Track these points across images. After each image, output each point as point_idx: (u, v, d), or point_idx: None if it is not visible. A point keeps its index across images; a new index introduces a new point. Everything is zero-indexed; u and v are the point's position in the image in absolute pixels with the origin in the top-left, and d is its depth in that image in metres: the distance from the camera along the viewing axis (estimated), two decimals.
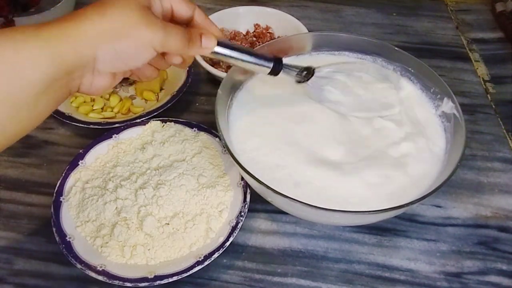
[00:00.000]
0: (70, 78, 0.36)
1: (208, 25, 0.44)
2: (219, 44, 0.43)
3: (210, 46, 0.42)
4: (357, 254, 0.53)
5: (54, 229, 0.50)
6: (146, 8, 0.37)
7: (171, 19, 0.42)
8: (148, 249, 0.49)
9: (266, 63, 0.47)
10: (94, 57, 0.36)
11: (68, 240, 0.50)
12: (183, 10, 0.42)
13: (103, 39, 0.35)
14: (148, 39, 0.37)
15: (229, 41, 0.45)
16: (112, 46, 0.36)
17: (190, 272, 0.47)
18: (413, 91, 0.56)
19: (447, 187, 0.58)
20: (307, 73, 0.52)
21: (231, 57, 0.45)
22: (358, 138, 0.51)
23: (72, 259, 0.48)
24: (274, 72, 0.48)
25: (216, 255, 0.48)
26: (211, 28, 0.44)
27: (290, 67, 0.50)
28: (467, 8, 0.87)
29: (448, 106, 0.52)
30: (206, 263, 0.48)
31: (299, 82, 0.52)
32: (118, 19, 0.35)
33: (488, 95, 0.71)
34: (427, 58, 0.75)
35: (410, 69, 0.57)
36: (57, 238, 0.50)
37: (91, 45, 0.35)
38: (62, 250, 0.49)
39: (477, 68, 0.75)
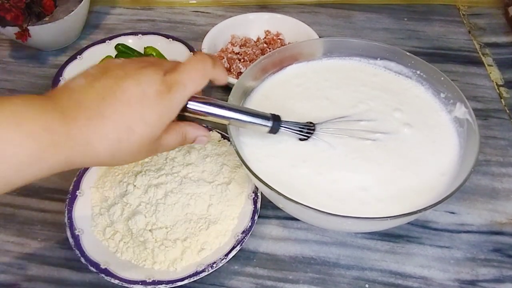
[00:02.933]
0: None
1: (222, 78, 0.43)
2: (223, 108, 0.44)
3: (203, 143, 0.45)
4: (369, 261, 0.52)
5: (66, 220, 0.52)
6: (154, 142, 0.38)
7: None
8: (156, 253, 0.49)
9: (265, 123, 0.47)
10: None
11: (76, 234, 0.51)
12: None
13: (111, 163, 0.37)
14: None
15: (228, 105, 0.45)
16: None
17: (199, 277, 0.47)
18: (424, 96, 0.56)
19: (461, 193, 0.58)
20: (308, 129, 0.50)
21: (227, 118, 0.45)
22: (372, 143, 0.51)
23: (78, 253, 0.49)
24: (273, 130, 0.48)
25: (225, 261, 0.48)
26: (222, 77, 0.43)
27: (289, 124, 0.49)
28: (479, 12, 0.87)
29: (461, 111, 0.51)
30: (215, 269, 0.48)
31: (301, 140, 0.50)
32: (122, 160, 0.37)
33: (502, 100, 0.70)
34: (439, 63, 0.75)
35: (422, 74, 0.56)
36: (68, 234, 0.51)
37: (80, 166, 0.37)
38: (72, 247, 0.49)
39: (490, 73, 0.74)
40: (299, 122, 0.50)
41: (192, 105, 0.43)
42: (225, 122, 0.46)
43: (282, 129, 0.48)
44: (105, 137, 0.34)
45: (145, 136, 0.36)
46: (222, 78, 0.42)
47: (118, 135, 0.35)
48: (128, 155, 0.36)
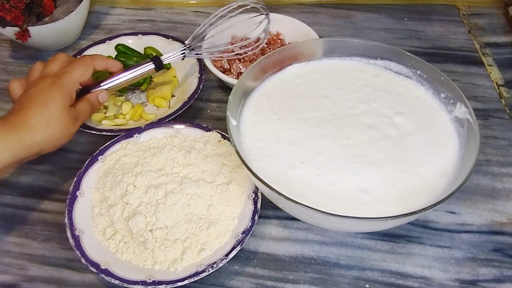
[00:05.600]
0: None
1: (108, 66, 0.61)
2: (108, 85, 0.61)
3: (105, 99, 0.60)
4: (369, 261, 0.52)
5: (66, 221, 0.52)
6: (69, 109, 0.53)
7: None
8: (156, 253, 0.49)
9: (148, 66, 0.62)
10: (38, 152, 0.52)
11: (77, 234, 0.51)
12: (86, 76, 0.57)
13: (47, 145, 0.52)
14: (74, 131, 0.54)
15: (110, 77, 0.62)
16: (52, 147, 0.53)
17: (199, 277, 0.47)
18: (424, 96, 0.56)
19: (461, 193, 0.58)
20: (184, 49, 0.64)
21: (120, 82, 0.62)
22: (368, 140, 0.51)
23: (78, 253, 0.49)
24: (158, 67, 0.63)
25: (225, 261, 0.48)
26: (110, 65, 0.62)
27: (168, 55, 0.64)
28: (479, 12, 0.87)
29: (461, 111, 0.51)
30: (216, 269, 0.48)
31: (183, 58, 0.65)
32: (57, 129, 0.51)
33: (502, 100, 0.70)
34: (439, 63, 0.75)
35: (422, 74, 0.56)
36: (68, 234, 0.51)
37: (37, 148, 0.51)
38: (73, 247, 0.49)
39: (490, 73, 0.74)
40: (176, 49, 0.64)
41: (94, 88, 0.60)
42: (124, 85, 0.62)
43: (165, 61, 0.63)
44: (33, 116, 0.50)
45: (58, 103, 0.52)
46: (102, 65, 0.60)
47: (40, 109, 0.51)
48: (58, 120, 0.51)
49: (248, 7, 0.64)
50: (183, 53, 0.64)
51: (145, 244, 0.49)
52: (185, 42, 0.65)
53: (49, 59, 0.58)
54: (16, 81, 0.56)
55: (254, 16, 0.66)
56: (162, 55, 0.73)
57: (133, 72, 0.62)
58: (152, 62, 0.62)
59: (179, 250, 0.49)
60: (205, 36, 0.66)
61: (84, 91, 0.59)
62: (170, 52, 0.64)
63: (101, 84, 0.61)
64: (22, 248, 0.54)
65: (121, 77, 0.61)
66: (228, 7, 0.64)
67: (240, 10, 0.64)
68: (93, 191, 0.55)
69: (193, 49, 0.65)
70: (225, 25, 0.65)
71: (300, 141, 0.51)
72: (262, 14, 0.66)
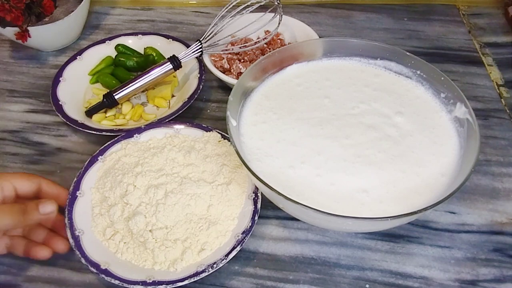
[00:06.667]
0: None
1: (58, 191, 0.52)
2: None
3: (49, 211, 0.48)
4: (369, 261, 0.52)
5: (66, 221, 0.51)
6: None
7: (16, 196, 0.49)
8: (156, 254, 0.49)
9: (167, 66, 0.65)
10: None
11: (77, 234, 0.51)
12: (26, 188, 0.50)
13: None
14: None
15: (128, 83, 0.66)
16: None
17: (199, 277, 0.47)
18: (424, 96, 0.56)
19: (461, 193, 0.58)
20: (199, 47, 0.66)
21: (141, 85, 0.66)
22: (368, 140, 0.51)
23: (78, 253, 0.49)
24: (176, 67, 0.66)
25: (225, 261, 0.48)
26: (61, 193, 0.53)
27: (184, 55, 0.66)
28: (479, 12, 0.87)
29: (461, 111, 0.51)
30: (216, 269, 0.48)
31: (198, 56, 0.67)
32: None
33: (502, 100, 0.70)
34: (439, 63, 0.75)
35: (422, 74, 0.56)
36: (68, 234, 0.51)
37: None
38: (72, 247, 0.49)
39: (490, 73, 0.74)
40: (191, 47, 0.67)
41: (117, 96, 0.65)
42: (145, 87, 0.66)
43: (182, 60, 0.66)
44: None
45: None
46: (50, 189, 0.52)
47: None
48: None
49: (262, 3, 0.67)
50: (200, 50, 0.66)
51: (145, 244, 0.49)
52: (200, 39, 0.66)
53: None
54: None
55: (266, 12, 0.68)
56: (162, 55, 0.74)
57: (153, 74, 0.65)
58: (169, 62, 0.65)
59: (179, 250, 0.49)
60: (219, 32, 0.68)
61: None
62: (186, 50, 0.66)
63: (123, 89, 0.65)
64: None
65: (142, 80, 0.65)
66: (244, 4, 0.67)
67: (255, 5, 0.67)
68: (93, 191, 0.55)
69: (208, 46, 0.67)
70: (239, 21, 0.68)
71: (300, 141, 0.51)
72: (274, 5, 0.67)
